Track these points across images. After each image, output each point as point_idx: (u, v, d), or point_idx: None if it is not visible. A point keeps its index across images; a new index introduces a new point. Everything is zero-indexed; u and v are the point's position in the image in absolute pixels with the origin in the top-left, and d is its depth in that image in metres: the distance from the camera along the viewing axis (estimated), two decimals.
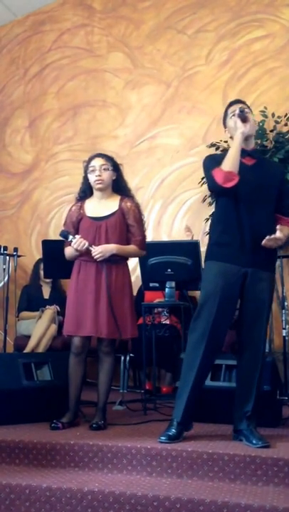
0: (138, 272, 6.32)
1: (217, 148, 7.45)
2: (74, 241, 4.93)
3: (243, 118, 4.55)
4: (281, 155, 7.02)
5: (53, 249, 5.61)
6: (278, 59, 8.04)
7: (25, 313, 7.66)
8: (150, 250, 5.56)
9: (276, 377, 5.12)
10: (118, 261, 5.05)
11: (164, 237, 8.12)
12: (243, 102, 4.80)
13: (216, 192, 4.69)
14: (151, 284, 6.11)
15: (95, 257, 4.92)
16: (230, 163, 4.44)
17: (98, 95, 8.86)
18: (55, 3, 9.17)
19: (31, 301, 7.72)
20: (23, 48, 9.28)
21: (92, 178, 5.11)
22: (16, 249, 8.12)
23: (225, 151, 5.21)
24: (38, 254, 8.11)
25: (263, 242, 4.39)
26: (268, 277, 4.56)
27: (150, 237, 8.08)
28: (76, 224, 5.14)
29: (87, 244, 4.91)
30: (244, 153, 4.58)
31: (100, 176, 5.08)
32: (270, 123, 7.55)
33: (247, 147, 4.64)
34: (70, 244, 5.03)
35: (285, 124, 7.54)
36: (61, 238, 5.12)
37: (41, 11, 9.24)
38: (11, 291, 8.06)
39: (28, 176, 9.03)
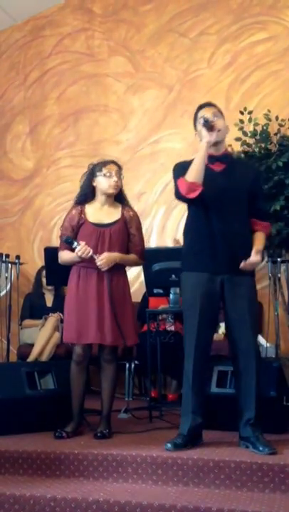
0: (142, 278, 6.29)
1: None
2: (78, 248, 4.88)
3: (209, 127, 4.52)
4: (285, 158, 6.98)
5: (55, 257, 5.55)
6: (281, 61, 7.99)
7: (28, 322, 7.63)
8: (154, 256, 5.56)
9: (282, 383, 5.06)
10: (119, 268, 5.02)
11: (168, 243, 8.06)
12: (214, 105, 4.77)
13: (182, 201, 4.70)
14: (155, 291, 6.08)
15: (99, 266, 4.87)
16: (193, 174, 4.45)
17: (100, 100, 8.82)
18: (55, 7, 9.13)
19: (34, 309, 7.69)
20: (23, 53, 9.24)
21: (107, 181, 5.05)
22: (18, 257, 8.08)
23: None
24: (40, 262, 8.07)
25: (241, 266, 4.39)
26: (247, 282, 4.55)
27: (154, 242, 8.06)
28: (76, 228, 5.08)
29: (91, 252, 4.86)
30: (213, 159, 4.62)
31: (117, 181, 5.05)
32: (274, 126, 7.50)
33: (217, 152, 4.66)
34: (66, 249, 5.03)
35: None
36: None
37: (41, 15, 9.20)
38: (14, 300, 8.02)
39: (30, 183, 8.99)
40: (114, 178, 5.04)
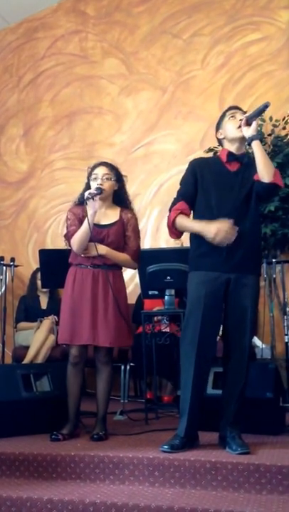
0: (137, 280, 6.28)
1: (215, 153, 7.40)
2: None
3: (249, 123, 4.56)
4: (279, 159, 6.97)
5: (50, 259, 5.54)
6: (275, 62, 8.01)
7: (23, 324, 7.60)
8: (149, 258, 5.53)
9: (279, 384, 5.07)
10: (113, 267, 4.99)
11: (163, 245, 8.05)
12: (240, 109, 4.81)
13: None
14: (150, 292, 6.05)
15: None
16: (183, 228, 4.59)
17: (94, 102, 8.83)
18: (48, 9, 9.15)
19: (29, 311, 7.66)
20: (17, 56, 9.26)
21: (93, 185, 5.00)
22: (12, 260, 8.06)
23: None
24: (35, 264, 8.05)
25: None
26: (252, 281, 4.49)
27: (148, 244, 8.04)
28: (80, 221, 4.99)
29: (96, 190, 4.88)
30: (231, 157, 4.59)
31: (101, 184, 4.98)
32: (268, 127, 7.52)
33: (237, 151, 4.62)
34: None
35: (283, 128, 7.52)
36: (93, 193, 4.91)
37: (34, 17, 9.21)
38: (9, 302, 8.00)
39: (24, 185, 8.98)
40: (98, 181, 4.98)
